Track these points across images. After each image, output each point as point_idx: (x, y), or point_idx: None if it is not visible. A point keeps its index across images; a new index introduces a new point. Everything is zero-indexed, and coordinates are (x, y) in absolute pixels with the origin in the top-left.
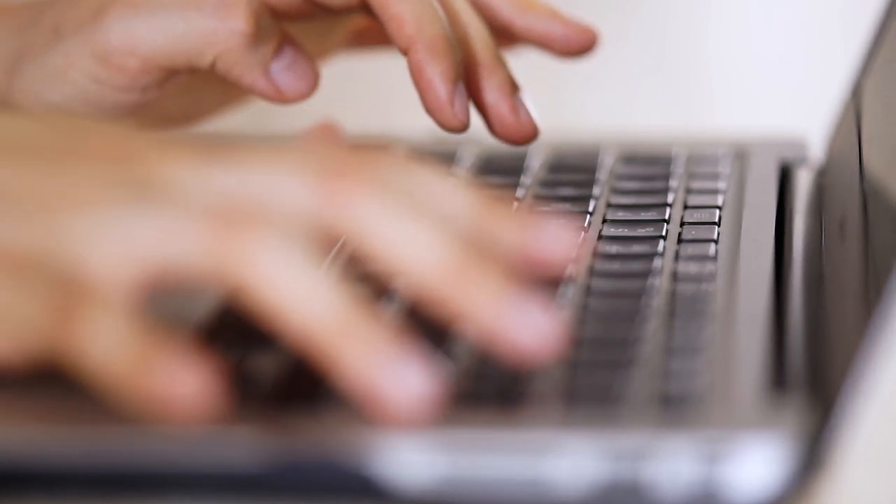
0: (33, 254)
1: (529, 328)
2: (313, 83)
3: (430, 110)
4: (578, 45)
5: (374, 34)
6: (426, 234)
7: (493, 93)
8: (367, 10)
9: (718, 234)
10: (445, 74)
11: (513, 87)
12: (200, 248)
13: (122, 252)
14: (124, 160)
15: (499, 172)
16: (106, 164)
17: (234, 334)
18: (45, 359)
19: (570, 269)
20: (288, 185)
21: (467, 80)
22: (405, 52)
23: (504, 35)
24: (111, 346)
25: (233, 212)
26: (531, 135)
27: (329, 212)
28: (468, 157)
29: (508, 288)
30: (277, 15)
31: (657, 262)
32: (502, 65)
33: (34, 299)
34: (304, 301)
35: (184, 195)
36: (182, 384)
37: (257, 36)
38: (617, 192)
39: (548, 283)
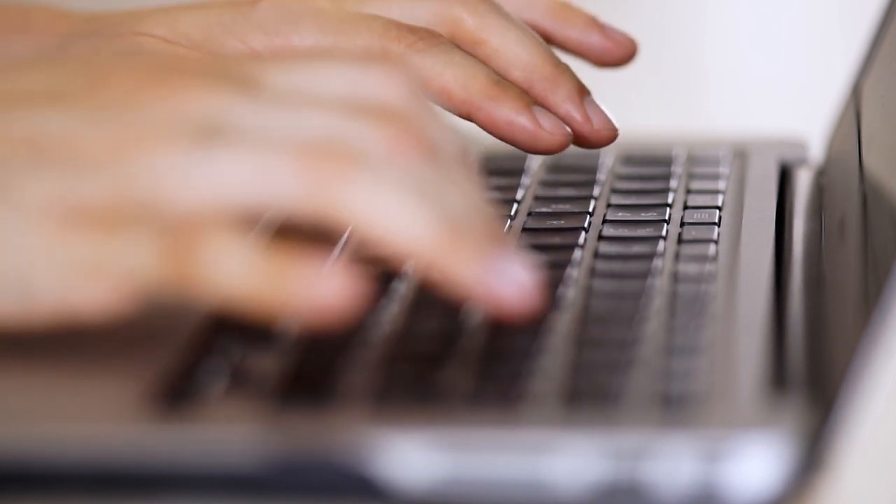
0: (119, 204)
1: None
2: None
3: (528, 147)
4: (616, 55)
5: None
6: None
7: (562, 105)
8: None
9: (718, 234)
10: (514, 107)
11: (581, 94)
12: (293, 181)
13: (212, 190)
14: (165, 96)
15: (499, 173)
16: (152, 102)
17: (234, 333)
18: (149, 301)
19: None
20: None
21: (536, 97)
22: (470, 118)
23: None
24: (241, 268)
25: (312, 144)
26: (609, 138)
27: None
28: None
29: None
30: None
31: (657, 263)
32: (566, 73)
33: (139, 247)
34: (408, 224)
35: (253, 130)
36: (325, 287)
37: None
38: (617, 192)
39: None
